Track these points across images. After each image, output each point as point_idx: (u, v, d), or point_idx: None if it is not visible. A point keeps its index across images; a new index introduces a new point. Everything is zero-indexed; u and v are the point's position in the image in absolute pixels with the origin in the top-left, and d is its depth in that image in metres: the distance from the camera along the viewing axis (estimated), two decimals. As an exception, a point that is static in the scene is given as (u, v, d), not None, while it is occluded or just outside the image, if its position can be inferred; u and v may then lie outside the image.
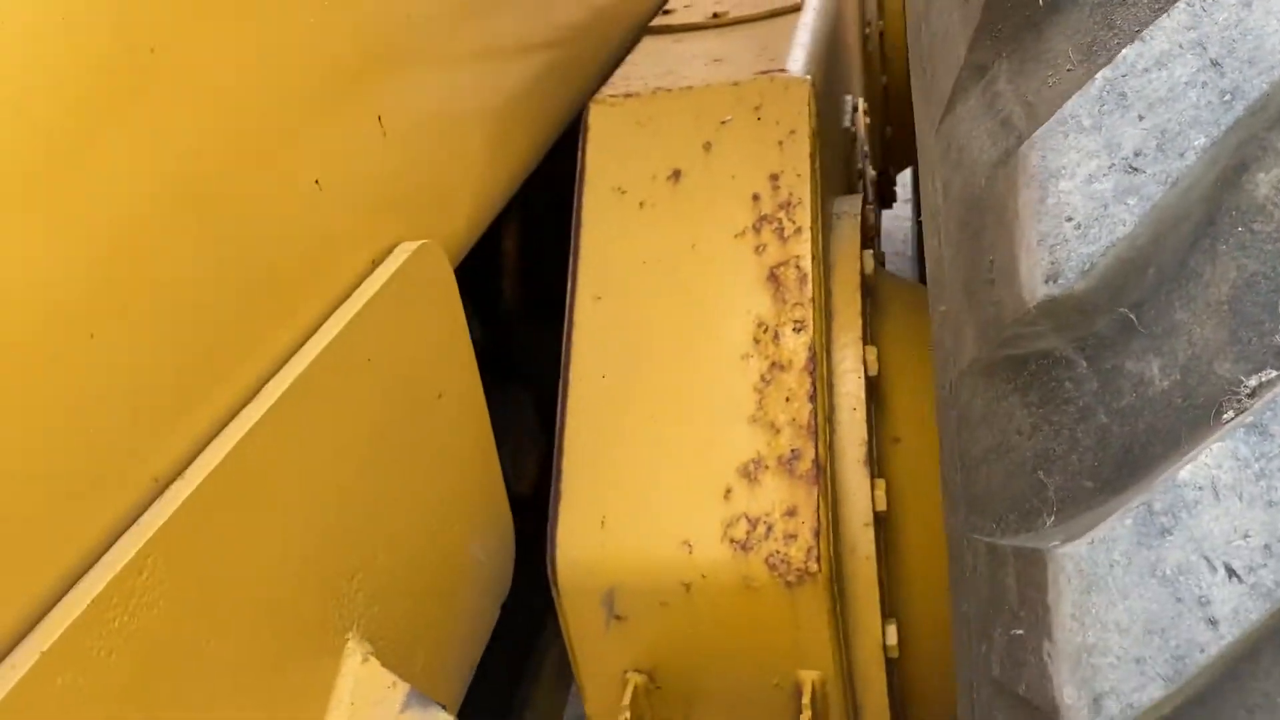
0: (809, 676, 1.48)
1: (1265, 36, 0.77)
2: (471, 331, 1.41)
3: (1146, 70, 0.80)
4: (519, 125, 1.65)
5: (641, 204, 1.70)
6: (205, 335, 0.92)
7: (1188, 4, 0.81)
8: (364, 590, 1.10)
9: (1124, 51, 0.82)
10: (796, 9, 2.16)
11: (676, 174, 1.70)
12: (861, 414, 1.57)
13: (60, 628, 0.72)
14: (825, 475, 1.46)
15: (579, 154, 1.76)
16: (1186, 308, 0.80)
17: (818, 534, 1.42)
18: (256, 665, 0.93)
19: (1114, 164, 0.79)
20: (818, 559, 1.41)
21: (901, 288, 1.88)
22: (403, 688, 1.04)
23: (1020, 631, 0.86)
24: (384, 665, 1.08)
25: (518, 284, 2.27)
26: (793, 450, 1.47)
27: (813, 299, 1.55)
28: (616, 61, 2.05)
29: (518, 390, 2.12)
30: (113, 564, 0.77)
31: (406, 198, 1.31)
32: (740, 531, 1.45)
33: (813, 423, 1.48)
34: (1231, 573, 0.72)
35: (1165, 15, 0.81)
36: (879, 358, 1.63)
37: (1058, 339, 0.87)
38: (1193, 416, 0.78)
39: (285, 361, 1.03)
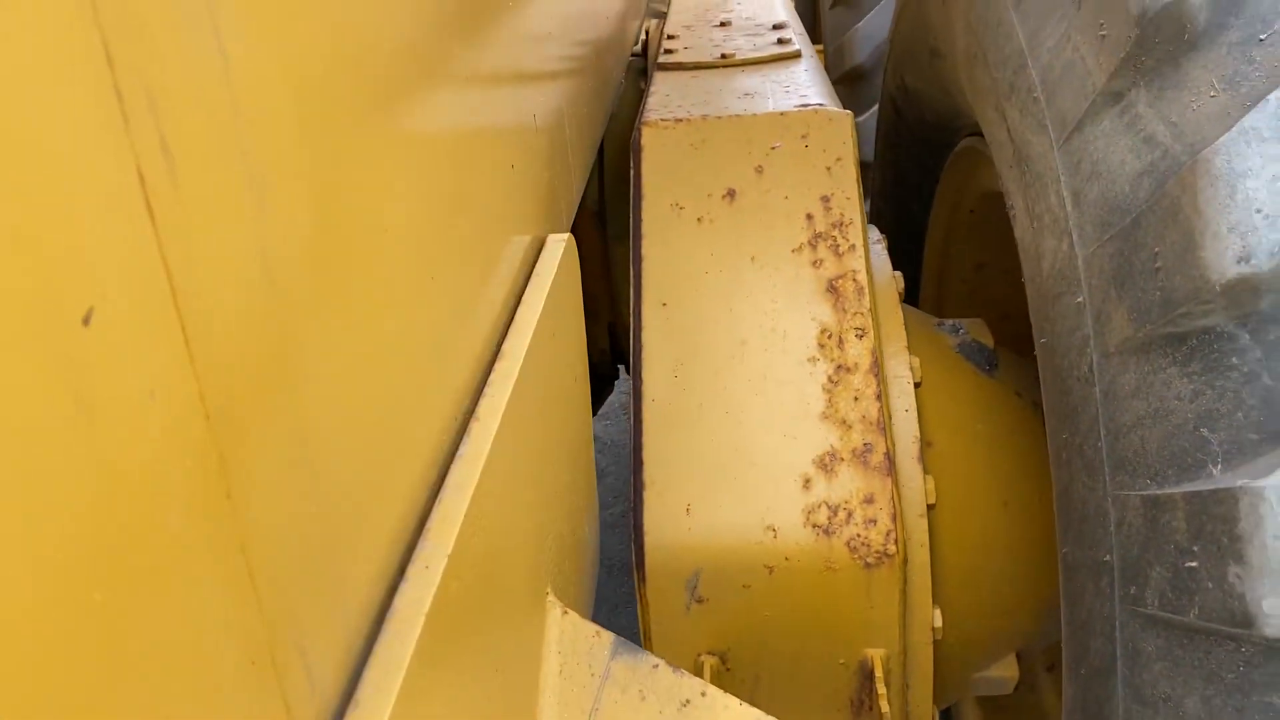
0: (877, 654, 1.60)
1: None
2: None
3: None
4: (585, 134, 1.75)
5: (699, 219, 1.82)
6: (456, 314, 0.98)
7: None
8: (553, 549, 1.17)
9: (1292, 75, 1.00)
10: (797, 56, 2.34)
11: (731, 193, 1.83)
12: (914, 414, 1.72)
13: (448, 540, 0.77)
14: (895, 468, 1.60)
15: (633, 173, 1.87)
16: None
17: (894, 519, 1.56)
18: (491, 619, 0.99)
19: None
20: (895, 542, 1.55)
21: (910, 311, 2.06)
22: (608, 636, 1.10)
23: (1194, 564, 1.01)
24: (568, 620, 1.14)
25: None
26: (865, 444, 1.61)
27: (870, 309, 1.70)
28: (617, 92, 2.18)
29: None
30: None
31: (550, 190, 1.39)
32: (822, 517, 1.57)
33: (881, 419, 1.62)
34: None
35: (1318, 51, 1.00)
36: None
37: (1222, 316, 1.03)
38: (1353, 376, 0.95)
39: (502, 340, 1.09)
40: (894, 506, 1.57)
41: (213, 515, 0.47)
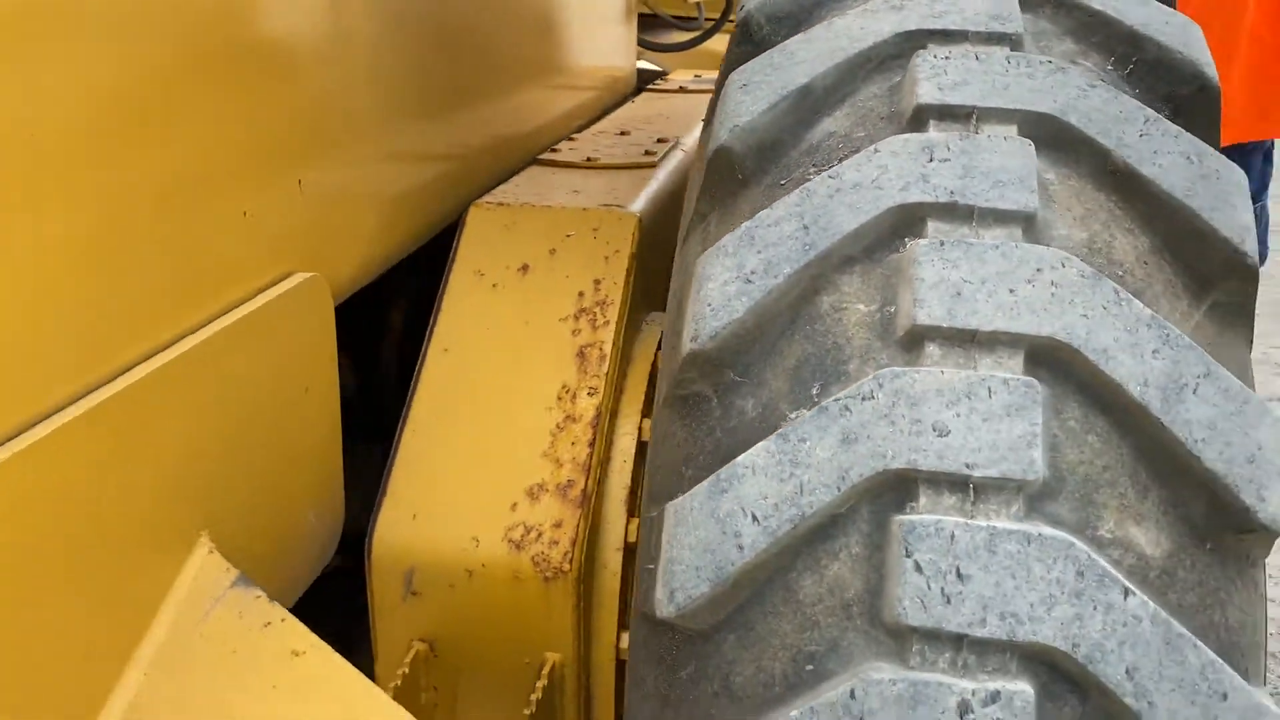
0: (554, 657, 1.90)
1: (835, 214, 1.31)
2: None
3: (769, 225, 1.33)
4: (407, 208, 2.14)
5: (495, 285, 2.19)
6: (135, 292, 1.36)
7: (801, 190, 1.34)
8: (219, 508, 1.52)
9: (761, 212, 1.35)
10: (653, 165, 2.73)
11: (525, 267, 2.20)
12: (629, 466, 2.05)
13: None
14: (589, 503, 1.93)
15: (455, 243, 2.25)
16: (771, 370, 1.31)
17: (574, 544, 1.88)
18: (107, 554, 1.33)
19: (739, 276, 1.31)
20: (570, 562, 1.86)
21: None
22: (234, 573, 1.45)
23: (651, 567, 1.33)
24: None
25: (396, 354, 2.70)
26: (569, 480, 1.94)
27: (607, 374, 2.04)
28: (503, 178, 2.58)
29: (380, 447, 2.54)
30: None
31: (309, 240, 1.77)
32: (517, 534, 1.89)
33: (588, 463, 1.95)
34: (755, 519, 1.20)
35: (786, 194, 1.35)
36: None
37: (702, 384, 1.36)
38: (762, 432, 1.27)
39: (190, 334, 1.46)
40: (577, 533, 1.89)
41: None
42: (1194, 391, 1.17)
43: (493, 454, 1.98)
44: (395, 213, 2.10)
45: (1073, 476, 1.18)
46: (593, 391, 2.02)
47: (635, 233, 2.21)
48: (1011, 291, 1.22)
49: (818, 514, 1.19)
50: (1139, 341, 1.19)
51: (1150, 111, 1.35)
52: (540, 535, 1.89)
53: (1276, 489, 1.15)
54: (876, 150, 1.34)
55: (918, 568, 1.14)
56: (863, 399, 1.21)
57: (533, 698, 1.83)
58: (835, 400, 1.21)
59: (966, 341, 1.22)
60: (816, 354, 1.29)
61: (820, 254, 1.30)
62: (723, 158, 1.47)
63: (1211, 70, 1.45)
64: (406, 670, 1.88)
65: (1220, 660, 1.10)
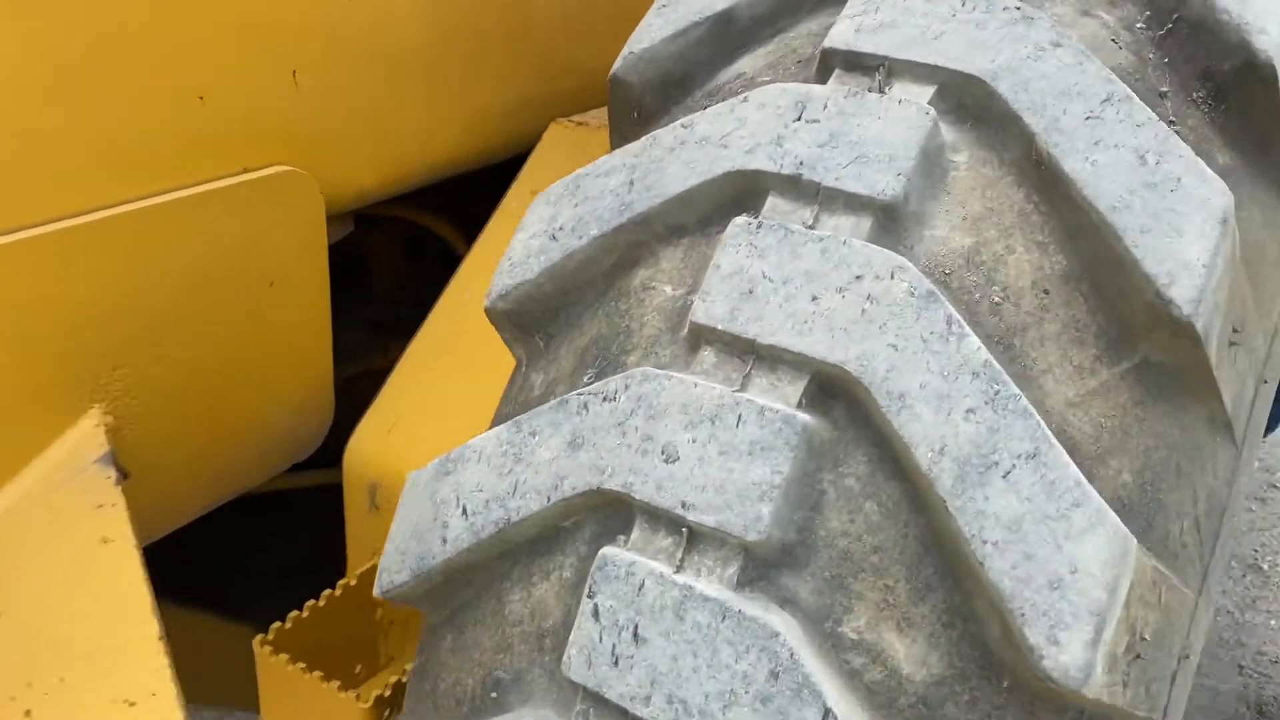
0: (488, 608, 1.80)
1: (666, 173, 1.07)
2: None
3: (598, 175, 1.11)
4: (446, 123, 2.04)
5: (546, 211, 2.06)
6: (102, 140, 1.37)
7: (648, 138, 1.11)
8: (126, 382, 1.54)
9: (600, 159, 1.13)
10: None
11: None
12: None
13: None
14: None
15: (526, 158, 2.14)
16: (568, 346, 1.11)
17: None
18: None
19: (547, 230, 1.11)
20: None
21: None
22: (105, 449, 1.46)
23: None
24: (120, 448, 1.50)
25: None
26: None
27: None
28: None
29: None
30: None
31: (297, 137, 1.73)
32: (471, 473, 1.79)
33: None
34: (465, 511, 1.03)
35: (638, 142, 1.12)
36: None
37: (517, 347, 1.18)
38: (537, 415, 1.08)
39: (126, 203, 1.48)
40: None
41: None
42: (1005, 475, 0.85)
43: (479, 385, 1.88)
44: (432, 127, 2.01)
45: (829, 549, 0.90)
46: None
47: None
48: (814, 299, 0.94)
49: (525, 522, 0.99)
50: (952, 393, 0.88)
51: (1119, 88, 0.98)
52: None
53: (1078, 633, 0.81)
54: (745, 100, 1.07)
55: (595, 614, 0.92)
56: (604, 399, 0.98)
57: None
58: (580, 394, 1.00)
59: (745, 352, 0.96)
60: (607, 336, 1.07)
61: (636, 218, 1.07)
62: (617, 91, 1.25)
63: (1266, 41, 1.03)
64: (352, 582, 1.86)
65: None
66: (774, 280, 0.96)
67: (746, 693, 0.86)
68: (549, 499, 0.98)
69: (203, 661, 2.16)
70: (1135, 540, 0.84)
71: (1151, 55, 1.08)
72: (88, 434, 1.49)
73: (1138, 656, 0.86)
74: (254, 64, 1.63)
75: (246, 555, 2.31)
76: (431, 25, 1.98)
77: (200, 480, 1.74)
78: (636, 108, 1.24)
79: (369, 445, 1.88)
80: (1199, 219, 0.91)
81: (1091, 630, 0.81)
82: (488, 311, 1.15)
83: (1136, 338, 0.93)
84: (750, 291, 0.96)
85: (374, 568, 1.88)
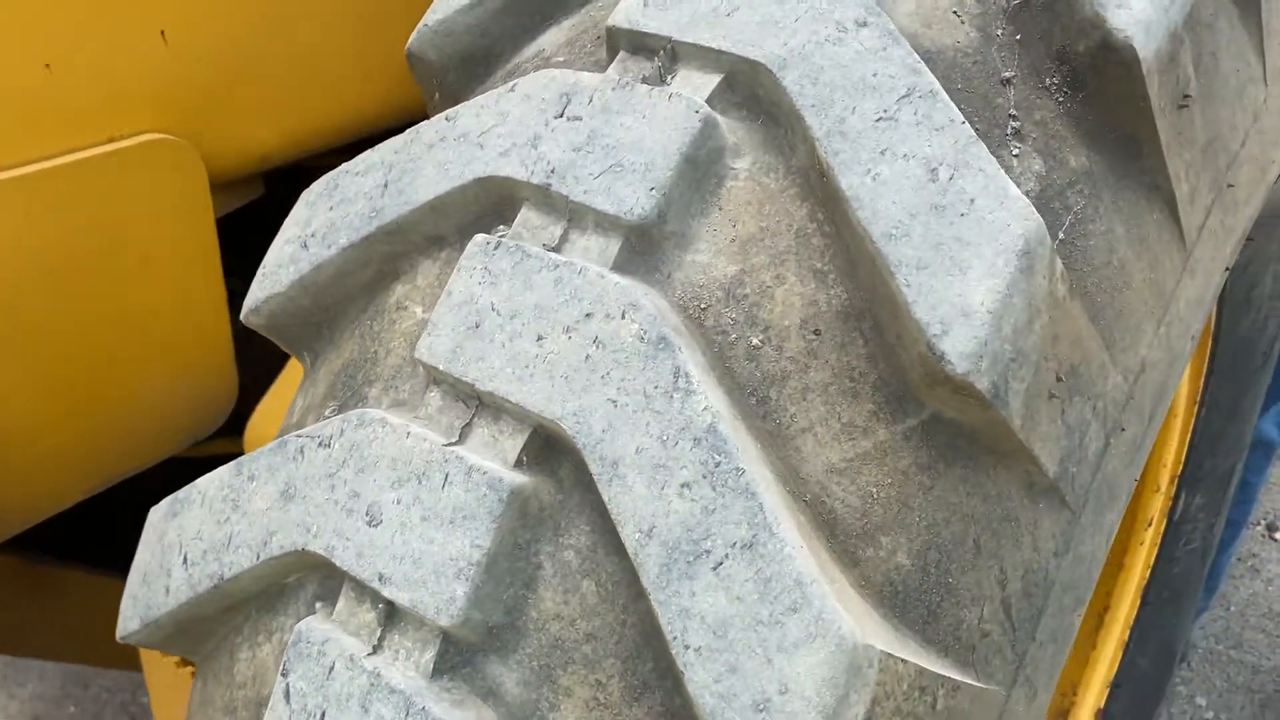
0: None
1: (420, 175, 0.92)
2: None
3: (356, 174, 0.97)
4: (368, 73, 1.90)
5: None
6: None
7: (412, 131, 0.96)
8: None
9: (364, 153, 0.99)
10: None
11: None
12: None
13: None
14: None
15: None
16: (324, 369, 0.98)
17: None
18: None
19: (300, 236, 0.98)
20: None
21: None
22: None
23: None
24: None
25: None
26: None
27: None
28: None
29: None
30: None
31: (170, 101, 1.62)
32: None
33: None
34: (185, 560, 0.92)
35: (401, 136, 0.97)
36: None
37: (297, 357, 1.06)
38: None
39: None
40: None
41: None
42: (715, 568, 0.71)
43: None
44: (350, 77, 1.87)
45: (539, 634, 0.77)
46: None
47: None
48: (539, 340, 0.80)
49: (239, 579, 0.88)
50: (669, 463, 0.73)
51: (924, 80, 0.80)
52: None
53: (782, 766, 0.67)
54: (513, 89, 0.92)
55: (287, 695, 0.82)
56: (320, 444, 0.86)
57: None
58: (299, 436, 0.88)
59: (469, 397, 0.82)
60: (356, 362, 0.94)
61: (387, 226, 0.93)
62: (416, 67, 1.10)
63: (1124, 17, 0.83)
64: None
65: None
66: (502, 314, 0.82)
67: (424, 803, 0.74)
68: (258, 556, 0.87)
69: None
70: (878, 649, 0.69)
71: (1000, 31, 0.89)
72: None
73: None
74: (111, 25, 1.51)
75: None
76: None
77: (74, 469, 1.67)
78: (438, 87, 1.09)
79: (270, 425, 1.79)
80: (989, 251, 0.74)
81: (803, 765, 0.67)
82: (243, 321, 1.03)
83: (920, 391, 0.77)
84: (477, 326, 0.82)
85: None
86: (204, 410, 1.83)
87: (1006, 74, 0.87)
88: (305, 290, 0.97)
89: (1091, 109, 0.87)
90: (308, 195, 1.01)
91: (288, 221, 1.01)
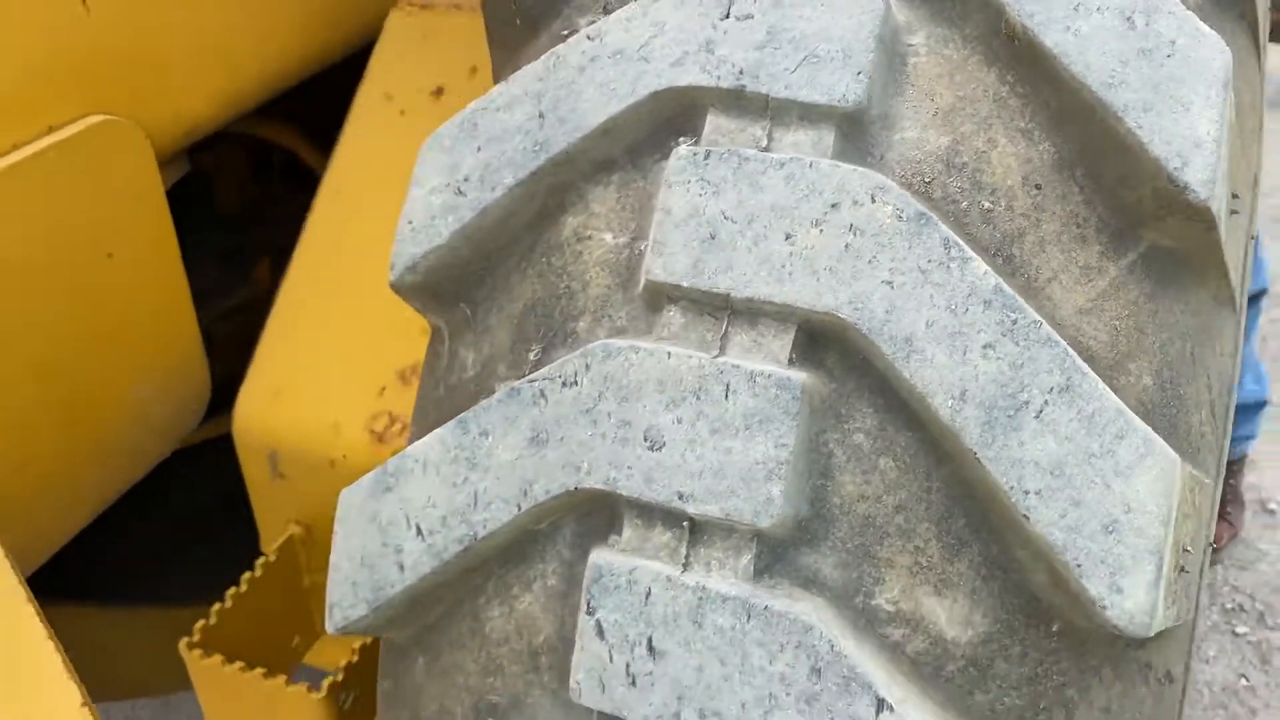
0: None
1: (581, 99, 0.90)
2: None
3: (498, 110, 0.94)
4: (275, 31, 1.78)
5: (402, 112, 1.84)
6: None
7: (549, 56, 0.94)
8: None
9: (493, 89, 0.95)
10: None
11: (439, 90, 1.83)
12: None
13: None
14: (468, 391, 1.64)
15: (370, 54, 1.90)
16: (498, 314, 0.96)
17: (440, 440, 1.61)
18: None
19: (450, 183, 0.94)
20: (434, 461, 1.60)
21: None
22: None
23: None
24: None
25: None
26: (445, 363, 1.64)
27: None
28: None
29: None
30: None
31: (105, 77, 1.47)
32: (380, 425, 1.64)
33: (470, 343, 1.65)
34: (419, 532, 0.89)
35: (537, 63, 0.94)
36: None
37: (434, 316, 1.03)
38: (476, 397, 0.94)
39: None
40: (445, 428, 1.61)
41: None
42: (1037, 415, 0.76)
43: (368, 327, 1.70)
44: (265, 32, 1.75)
45: (847, 517, 0.81)
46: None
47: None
48: (789, 238, 0.81)
49: (496, 535, 0.87)
50: (965, 329, 0.77)
51: (1093, -66, 0.85)
52: (405, 427, 1.63)
53: (1140, 577, 0.74)
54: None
55: (600, 631, 0.82)
56: (564, 383, 0.85)
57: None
58: (533, 382, 0.86)
59: (718, 309, 0.83)
60: (546, 300, 0.92)
61: (555, 156, 0.91)
62: (498, 1, 1.06)
63: None
64: (272, 559, 1.71)
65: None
66: (737, 221, 0.82)
67: (788, 695, 0.77)
68: (518, 507, 0.85)
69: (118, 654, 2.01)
70: (1179, 459, 0.77)
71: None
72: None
73: (1184, 570, 0.80)
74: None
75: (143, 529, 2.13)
76: None
77: (74, 488, 1.54)
78: (517, 15, 1.06)
79: (258, 411, 1.70)
80: (1203, 87, 0.80)
81: (1153, 570, 0.74)
82: (394, 287, 0.98)
83: (1142, 225, 0.84)
84: (712, 237, 0.83)
85: (292, 539, 1.74)
86: (185, 408, 1.72)
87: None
88: (468, 239, 0.93)
89: None
90: (439, 141, 0.96)
91: (422, 172, 0.96)
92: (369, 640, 1.51)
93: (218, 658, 1.51)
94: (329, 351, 1.70)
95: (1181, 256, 0.86)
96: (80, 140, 1.41)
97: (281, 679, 1.48)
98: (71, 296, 1.46)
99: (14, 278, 1.36)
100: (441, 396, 1.00)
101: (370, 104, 1.85)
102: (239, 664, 1.49)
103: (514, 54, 1.09)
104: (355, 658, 1.50)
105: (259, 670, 1.50)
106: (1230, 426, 0.98)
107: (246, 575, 1.64)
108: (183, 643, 1.53)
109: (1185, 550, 0.80)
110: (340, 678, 1.49)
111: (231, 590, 1.61)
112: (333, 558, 0.95)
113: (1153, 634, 0.75)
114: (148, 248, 1.57)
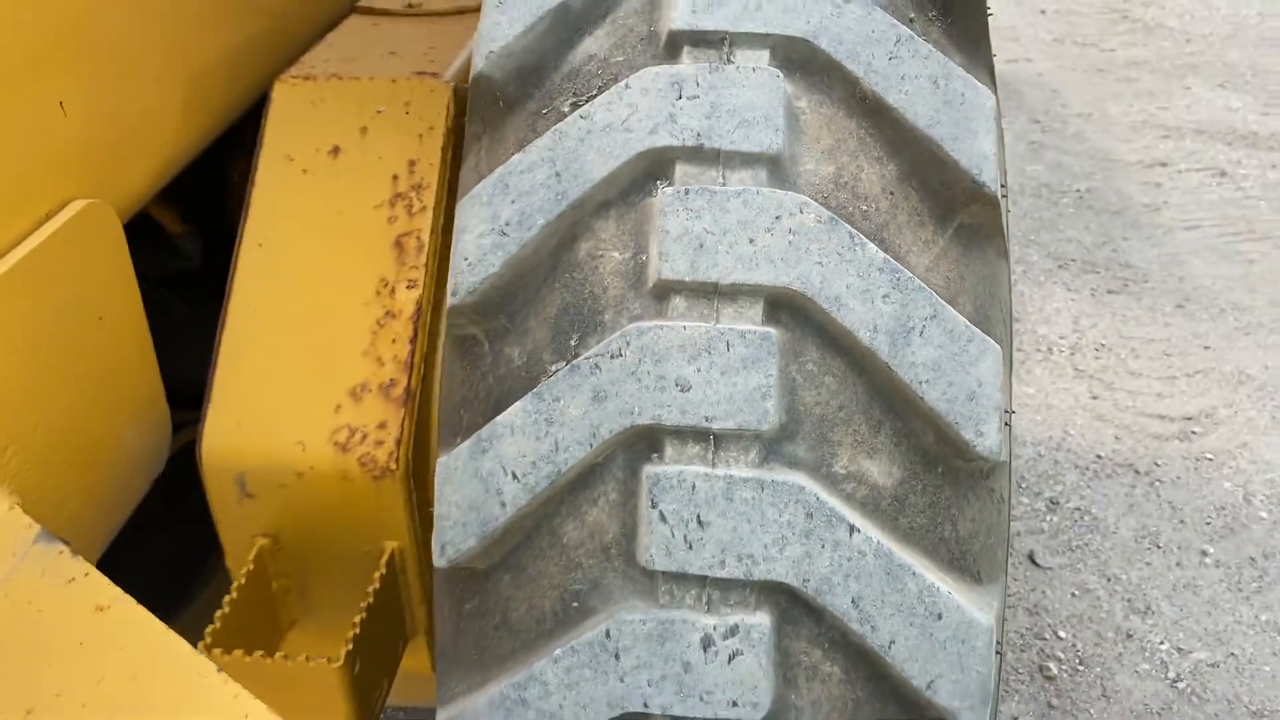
0: (390, 545, 1.99)
1: (586, 160, 1.29)
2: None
3: (522, 171, 1.31)
4: (203, 97, 2.04)
5: (305, 171, 2.12)
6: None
7: (553, 132, 1.32)
8: (18, 458, 1.53)
9: (513, 156, 1.33)
10: (477, 10, 2.60)
11: (336, 149, 2.13)
12: (454, 354, 2.08)
13: None
14: (414, 401, 1.96)
15: (261, 124, 2.16)
16: (535, 318, 1.33)
17: (399, 443, 1.93)
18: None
19: (494, 228, 1.31)
20: (396, 461, 1.92)
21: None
22: (36, 528, 1.48)
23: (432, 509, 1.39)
24: (31, 515, 1.51)
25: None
26: (391, 379, 1.96)
27: (426, 264, 2.03)
28: (321, 36, 2.45)
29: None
30: None
31: (82, 165, 1.70)
32: (342, 436, 1.94)
33: (409, 360, 1.97)
34: (515, 476, 1.26)
35: (539, 137, 1.32)
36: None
37: (475, 329, 1.38)
38: (527, 382, 1.31)
39: None
40: (402, 432, 1.93)
41: None
42: (920, 334, 1.23)
43: (313, 355, 1.99)
44: (187, 109, 2.01)
45: (809, 417, 1.24)
46: (412, 284, 2.02)
47: (451, 106, 2.14)
48: (751, 241, 1.24)
49: (574, 469, 1.24)
50: (870, 287, 1.23)
51: (903, 30, 1.33)
52: (365, 436, 1.93)
53: (993, 423, 1.23)
54: (628, 87, 1.31)
55: (663, 518, 1.21)
56: (612, 356, 1.24)
57: (370, 589, 1.93)
58: (587, 358, 1.25)
59: (710, 293, 1.25)
60: (575, 303, 1.31)
61: (573, 202, 1.29)
62: (483, 86, 1.43)
63: None
64: (251, 567, 1.96)
65: (937, 584, 1.22)
66: (715, 233, 1.24)
67: (794, 534, 1.20)
68: (590, 445, 1.23)
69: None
70: (1001, 350, 1.26)
71: (890, -13, 1.44)
72: (6, 518, 1.49)
73: (1007, 424, 1.30)
74: (11, 105, 1.58)
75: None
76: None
77: (100, 525, 1.76)
78: (501, 97, 1.43)
79: (225, 440, 1.95)
80: (984, 121, 1.30)
81: (999, 420, 1.22)
82: (453, 309, 1.33)
83: (955, 211, 1.33)
84: (700, 246, 1.24)
85: (264, 549, 2.00)
86: (156, 449, 1.95)
87: (910, 15, 1.42)
88: (513, 266, 1.30)
89: (955, 28, 1.45)
90: (479, 198, 1.32)
91: (467, 222, 1.32)
92: (366, 615, 1.82)
93: (239, 651, 1.78)
94: (281, 382, 1.98)
95: (979, 229, 1.35)
96: (72, 225, 1.65)
97: (302, 656, 1.76)
98: (81, 352, 1.68)
99: (45, 335, 1.58)
100: (492, 385, 1.36)
101: (274, 165, 2.13)
102: (259, 652, 1.77)
103: (493, 126, 1.45)
104: (357, 630, 1.81)
105: (280, 654, 1.77)
106: (1011, 334, 1.50)
107: (236, 584, 1.90)
108: (201, 645, 1.78)
109: (1009, 410, 1.30)
110: (350, 647, 1.79)
111: (228, 597, 1.87)
112: (438, 510, 1.29)
113: (1002, 460, 1.23)
114: (124, 312, 1.81)
